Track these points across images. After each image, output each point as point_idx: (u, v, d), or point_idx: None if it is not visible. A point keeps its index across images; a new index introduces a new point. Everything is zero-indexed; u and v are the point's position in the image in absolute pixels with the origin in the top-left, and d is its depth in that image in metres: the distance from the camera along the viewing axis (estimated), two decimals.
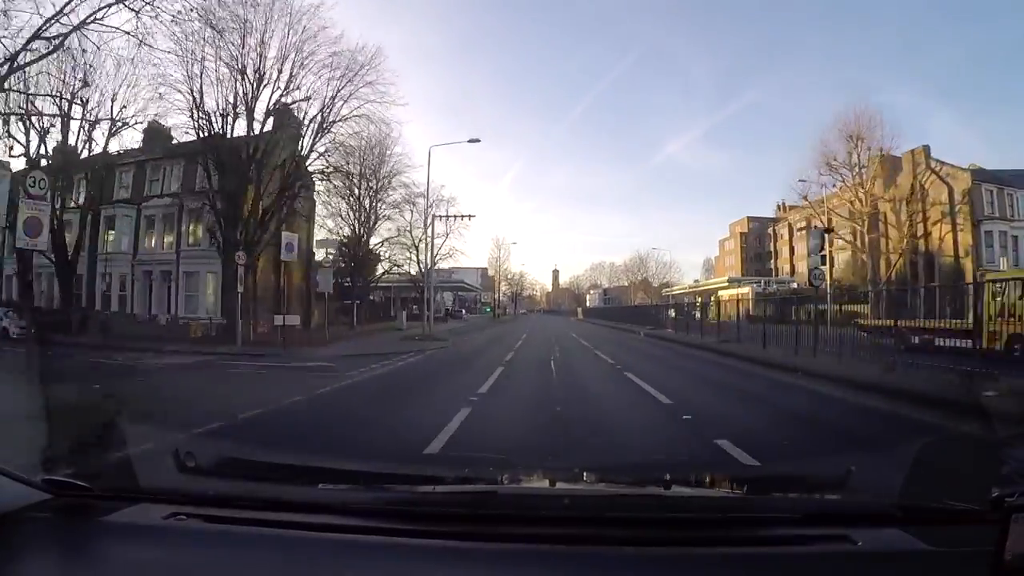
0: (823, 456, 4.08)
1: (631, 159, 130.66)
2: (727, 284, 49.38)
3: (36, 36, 11.76)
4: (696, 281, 60.14)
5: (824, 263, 20.56)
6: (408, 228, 45.16)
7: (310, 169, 18.48)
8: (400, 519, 1.37)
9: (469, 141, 21.27)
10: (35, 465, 1.77)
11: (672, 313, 33.82)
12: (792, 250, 63.67)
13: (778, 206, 77.53)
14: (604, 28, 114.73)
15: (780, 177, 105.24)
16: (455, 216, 26.39)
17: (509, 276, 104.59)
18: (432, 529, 1.32)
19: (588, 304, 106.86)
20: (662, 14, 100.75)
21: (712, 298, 32.39)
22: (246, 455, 2.27)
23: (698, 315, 25.55)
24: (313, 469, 1.95)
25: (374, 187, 30.07)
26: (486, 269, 70.89)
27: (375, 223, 32.98)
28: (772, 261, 65.86)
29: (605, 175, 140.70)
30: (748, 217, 66.44)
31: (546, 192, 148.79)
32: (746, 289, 34.60)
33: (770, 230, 67.29)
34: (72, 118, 17.76)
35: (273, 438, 4.92)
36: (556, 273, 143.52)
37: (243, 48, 16.94)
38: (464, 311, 64.80)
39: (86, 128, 17.97)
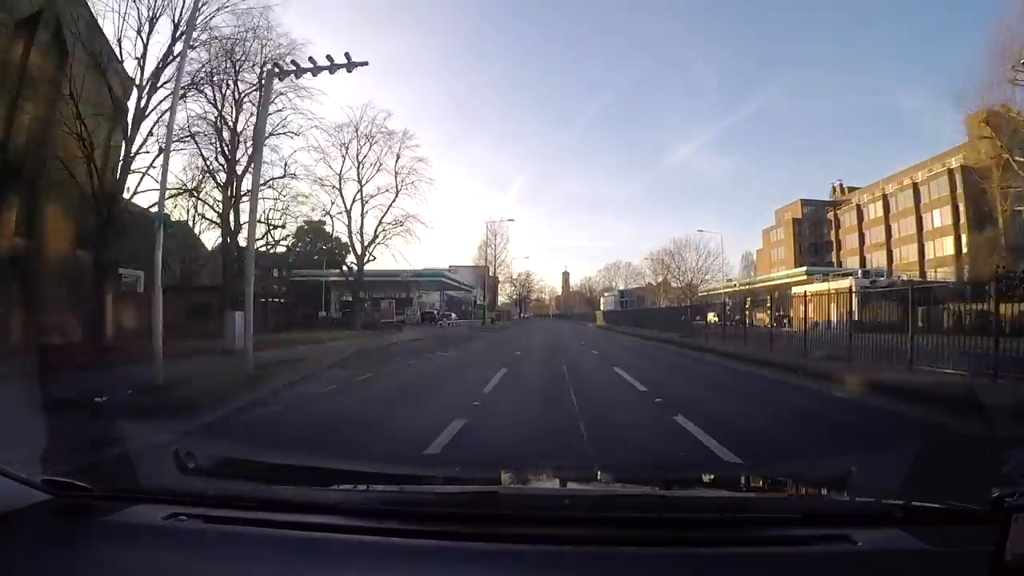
0: (824, 456, 3.92)
1: (642, 164, 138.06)
2: (804, 276, 35.25)
3: None
4: (730, 280, 46.16)
5: None
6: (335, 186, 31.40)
7: None
8: (400, 519, 1.41)
9: None
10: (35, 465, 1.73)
11: (712, 317, 28.92)
12: (862, 238, 49.18)
13: (834, 188, 62.40)
14: (610, 34, 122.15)
15: (796, 171, 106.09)
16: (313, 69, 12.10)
17: (513, 277, 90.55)
18: (432, 529, 1.37)
19: (603, 307, 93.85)
20: (670, 18, 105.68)
21: (771, 296, 28.15)
22: (246, 455, 2.29)
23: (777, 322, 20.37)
24: (313, 469, 1.95)
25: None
26: (485, 266, 63.12)
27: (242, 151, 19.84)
28: (833, 253, 50.89)
29: (615, 181, 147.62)
30: (802, 200, 53.78)
31: (554, 199, 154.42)
32: (845, 282, 24.74)
33: (830, 215, 53.00)
34: None
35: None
36: (566, 275, 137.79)
37: None
38: (454, 315, 56.64)
39: None
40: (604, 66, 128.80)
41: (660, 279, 59.84)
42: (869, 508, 1.48)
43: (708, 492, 1.84)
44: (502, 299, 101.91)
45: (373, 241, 31.62)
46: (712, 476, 2.22)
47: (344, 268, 33.07)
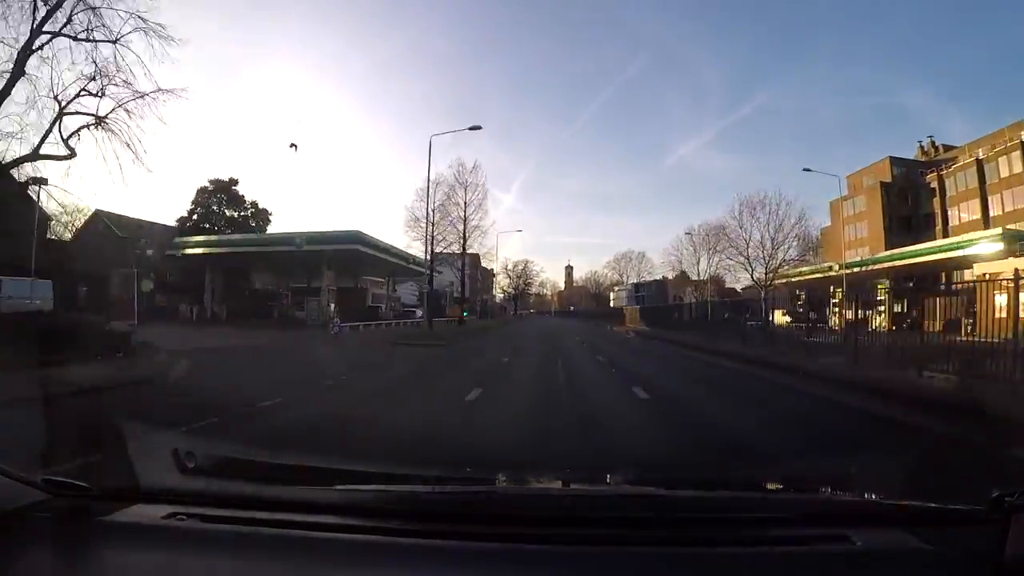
0: (824, 457, 3.98)
1: (645, 161, 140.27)
2: (1002, 241, 17.58)
3: None
4: (793, 264, 37.95)
5: None
6: None
7: None
8: (400, 519, 1.47)
9: None
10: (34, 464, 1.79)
11: (782, 316, 24.57)
12: (985, 205, 31.83)
13: (922, 148, 50.86)
14: (613, 31, 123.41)
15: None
16: None
17: (509, 267, 76.69)
18: (432, 529, 1.43)
19: (613, 303, 78.49)
20: (672, 12, 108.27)
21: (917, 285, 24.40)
22: (246, 455, 2.31)
23: None
24: (313, 469, 1.99)
25: None
26: (477, 255, 50.20)
27: None
28: (939, 227, 32.76)
29: (618, 178, 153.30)
30: (891, 159, 37.20)
31: (556, 196, 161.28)
32: None
33: (930, 179, 36.11)
34: None
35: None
36: (569, 269, 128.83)
37: None
38: (419, 312, 44.55)
39: None
40: (605, 62, 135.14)
41: (696, 264, 44.16)
42: (869, 508, 1.56)
43: (708, 492, 1.87)
44: (496, 294, 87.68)
45: None
46: (712, 476, 2.32)
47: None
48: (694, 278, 46.00)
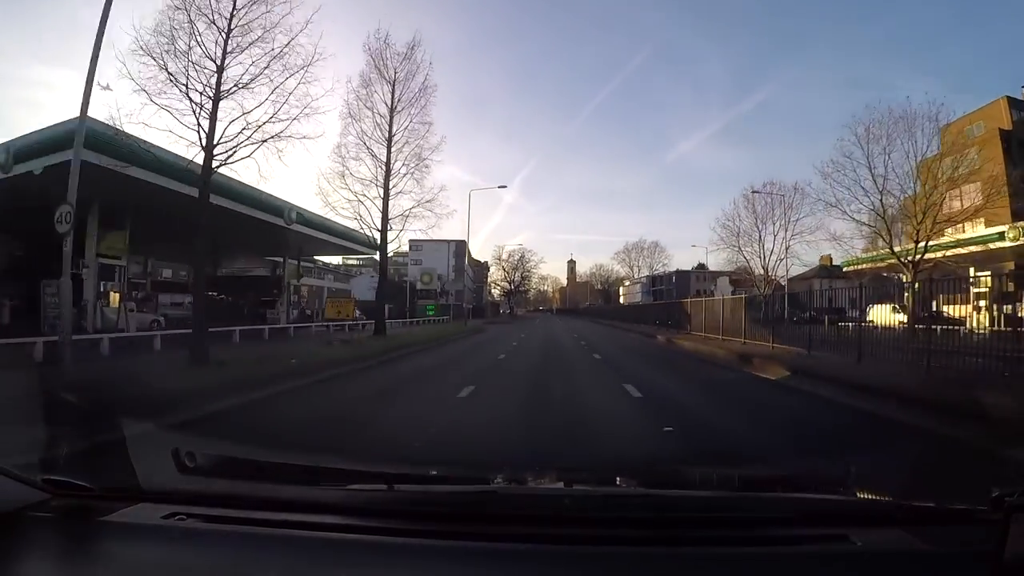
0: (823, 456, 3.84)
1: (648, 157, 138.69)
2: None
3: None
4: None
5: None
6: None
7: None
8: (400, 519, 1.52)
9: None
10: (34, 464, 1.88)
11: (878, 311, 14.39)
12: None
13: None
14: (614, 28, 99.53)
15: None
16: None
17: (503, 257, 70.30)
18: (432, 529, 1.48)
19: (623, 299, 68.91)
20: (677, 8, 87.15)
21: None
22: (246, 455, 2.32)
23: None
24: (313, 469, 2.03)
25: None
26: (463, 242, 25.34)
27: None
28: None
29: (621, 173, 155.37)
30: (1008, 99, 22.64)
31: (558, 193, 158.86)
32: None
33: None
34: None
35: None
36: (572, 264, 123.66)
37: None
38: (358, 313, 36.00)
39: None
40: (606, 57, 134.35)
41: (759, 239, 32.29)
42: (869, 508, 1.58)
43: (707, 492, 1.94)
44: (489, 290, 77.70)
45: None
46: (712, 476, 2.32)
47: None
48: (751, 257, 33.05)
